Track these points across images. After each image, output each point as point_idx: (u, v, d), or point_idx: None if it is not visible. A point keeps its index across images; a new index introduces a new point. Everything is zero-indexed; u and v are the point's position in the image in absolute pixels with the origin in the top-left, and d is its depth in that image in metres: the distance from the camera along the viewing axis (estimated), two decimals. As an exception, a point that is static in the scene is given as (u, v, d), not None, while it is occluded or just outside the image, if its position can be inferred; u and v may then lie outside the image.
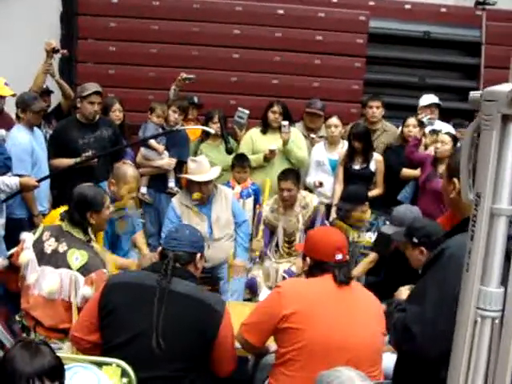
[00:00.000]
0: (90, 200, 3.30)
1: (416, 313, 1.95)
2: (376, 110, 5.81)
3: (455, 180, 2.02)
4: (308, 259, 2.85)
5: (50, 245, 3.19)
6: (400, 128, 5.85)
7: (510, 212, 1.08)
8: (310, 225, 4.77)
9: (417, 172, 5.38)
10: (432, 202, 4.77)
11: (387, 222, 4.44)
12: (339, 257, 2.76)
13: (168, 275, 2.63)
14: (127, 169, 4.12)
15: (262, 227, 4.92)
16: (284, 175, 4.81)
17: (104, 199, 3.39)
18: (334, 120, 5.56)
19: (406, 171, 5.49)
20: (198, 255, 2.81)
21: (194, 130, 5.63)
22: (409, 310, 1.99)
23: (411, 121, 5.64)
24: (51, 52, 5.26)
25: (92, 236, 3.30)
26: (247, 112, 5.61)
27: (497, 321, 1.09)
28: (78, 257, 3.12)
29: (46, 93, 5.71)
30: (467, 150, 1.20)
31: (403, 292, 2.41)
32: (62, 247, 3.16)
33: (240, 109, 5.67)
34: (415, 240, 3.31)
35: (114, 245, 4.21)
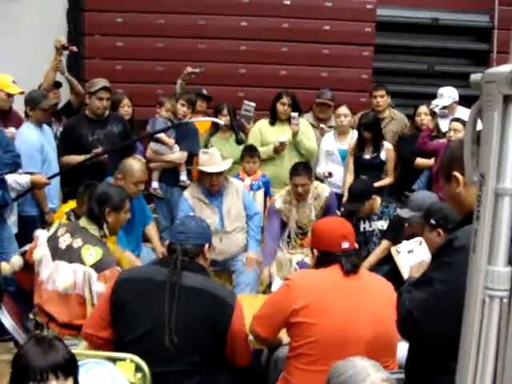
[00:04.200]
0: (112, 197, 3.32)
1: (420, 299, 1.95)
2: (380, 99, 5.77)
3: (456, 173, 1.99)
4: (315, 251, 2.82)
5: (64, 240, 3.20)
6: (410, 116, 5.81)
7: (514, 191, 1.11)
8: (325, 214, 4.73)
9: (431, 161, 5.34)
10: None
11: (398, 210, 4.42)
12: (346, 245, 2.72)
13: (178, 269, 2.62)
14: (132, 162, 4.16)
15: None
16: (297, 170, 4.73)
17: (125, 202, 3.40)
18: (344, 109, 5.53)
19: (420, 161, 5.45)
20: (206, 246, 2.80)
21: (202, 122, 5.62)
22: (413, 296, 1.99)
23: (422, 109, 5.60)
24: (61, 49, 5.26)
25: (107, 232, 3.30)
26: (253, 105, 5.59)
27: (505, 300, 1.11)
28: (92, 253, 3.12)
29: (56, 85, 5.70)
30: (470, 131, 1.22)
31: (415, 269, 2.38)
32: (77, 243, 3.17)
33: (246, 102, 5.66)
34: (433, 222, 3.27)
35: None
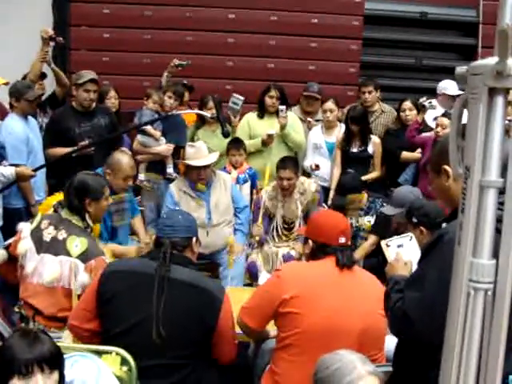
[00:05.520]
0: (90, 187, 3.29)
1: (415, 298, 1.93)
2: (368, 94, 5.78)
3: (445, 167, 2.00)
4: (310, 242, 2.83)
5: (49, 233, 3.18)
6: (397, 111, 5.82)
7: (498, 184, 1.10)
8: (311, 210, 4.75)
9: (417, 155, 5.36)
10: (432, 184, 4.73)
11: (385, 204, 4.44)
12: (342, 240, 2.75)
13: (166, 262, 2.62)
14: (121, 157, 4.12)
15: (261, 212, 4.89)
16: (283, 164, 4.74)
17: (104, 189, 3.38)
18: (330, 104, 5.52)
19: (406, 154, 5.47)
20: (194, 239, 2.81)
21: (188, 115, 5.60)
22: (407, 296, 1.97)
23: (406, 104, 5.61)
24: (48, 40, 5.21)
25: (90, 223, 3.28)
26: (242, 98, 5.57)
27: (489, 293, 1.11)
28: (77, 244, 3.11)
29: (41, 76, 5.65)
30: (455, 124, 1.22)
31: (394, 266, 2.38)
32: (61, 235, 3.15)
33: (235, 95, 5.63)
34: (415, 220, 3.29)
35: (112, 235, 4.20)
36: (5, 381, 1.82)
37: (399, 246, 2.77)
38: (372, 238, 4.59)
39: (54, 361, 1.88)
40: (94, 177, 3.44)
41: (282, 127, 5.32)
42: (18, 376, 1.81)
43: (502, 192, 1.11)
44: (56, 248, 3.13)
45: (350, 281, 2.71)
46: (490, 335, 1.07)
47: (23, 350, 1.83)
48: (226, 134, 4.82)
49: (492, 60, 1.05)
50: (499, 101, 1.07)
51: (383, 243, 2.84)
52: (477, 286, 1.09)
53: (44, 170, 4.85)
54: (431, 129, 5.25)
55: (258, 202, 4.90)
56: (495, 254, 1.11)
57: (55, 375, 1.88)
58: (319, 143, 5.56)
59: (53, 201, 3.58)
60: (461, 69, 1.12)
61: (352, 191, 4.63)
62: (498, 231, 1.11)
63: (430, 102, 5.42)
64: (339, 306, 2.63)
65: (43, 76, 5.71)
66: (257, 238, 4.80)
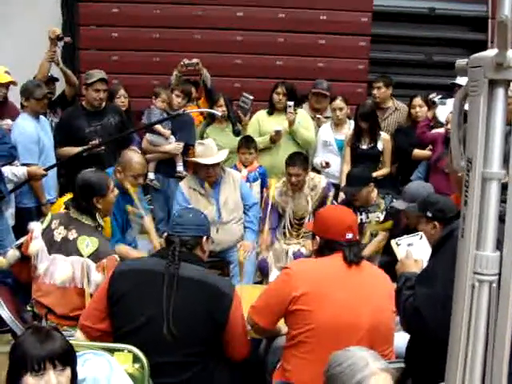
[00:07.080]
0: (95, 185, 3.28)
1: (426, 295, 1.93)
2: (377, 90, 5.80)
3: None
4: (318, 238, 2.82)
5: (59, 233, 3.19)
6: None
7: (501, 176, 1.10)
8: (321, 205, 4.73)
9: (429, 152, 5.34)
10: (443, 181, 4.73)
11: (395, 201, 4.43)
12: (349, 236, 2.73)
13: (176, 260, 2.62)
14: (132, 155, 4.12)
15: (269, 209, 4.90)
16: (292, 160, 4.73)
17: (108, 183, 3.36)
18: (339, 102, 5.51)
19: (418, 152, 5.45)
20: (204, 238, 2.80)
21: (197, 112, 5.62)
22: (418, 292, 1.97)
23: (417, 101, 5.59)
24: (55, 40, 5.24)
25: (101, 221, 3.29)
26: (251, 97, 5.58)
27: (494, 284, 1.11)
28: (88, 243, 3.11)
29: (51, 80, 5.69)
30: (456, 117, 1.22)
31: (405, 264, 2.37)
32: (72, 234, 3.16)
33: (244, 94, 5.64)
34: (429, 214, 3.27)
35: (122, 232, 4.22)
36: (18, 377, 1.83)
37: (409, 245, 2.76)
38: (382, 234, 4.58)
39: (66, 357, 1.89)
40: (95, 173, 3.40)
41: (290, 123, 5.32)
42: (30, 372, 1.81)
43: (505, 187, 1.11)
44: (67, 248, 3.14)
45: (359, 277, 2.70)
46: (496, 327, 1.07)
47: (35, 347, 1.84)
48: (236, 133, 4.83)
49: (492, 52, 1.05)
50: (500, 93, 1.06)
51: (393, 242, 2.83)
52: (481, 278, 1.09)
53: (55, 170, 4.88)
54: (442, 125, 5.23)
55: (267, 200, 4.90)
56: (499, 245, 1.10)
57: (68, 372, 1.88)
58: (329, 140, 5.56)
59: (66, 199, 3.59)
60: (461, 61, 1.12)
61: (365, 183, 4.62)
62: (501, 220, 1.10)
63: (441, 98, 5.40)
64: (348, 302, 2.62)
65: (55, 80, 5.74)
66: (263, 247, 4.79)
